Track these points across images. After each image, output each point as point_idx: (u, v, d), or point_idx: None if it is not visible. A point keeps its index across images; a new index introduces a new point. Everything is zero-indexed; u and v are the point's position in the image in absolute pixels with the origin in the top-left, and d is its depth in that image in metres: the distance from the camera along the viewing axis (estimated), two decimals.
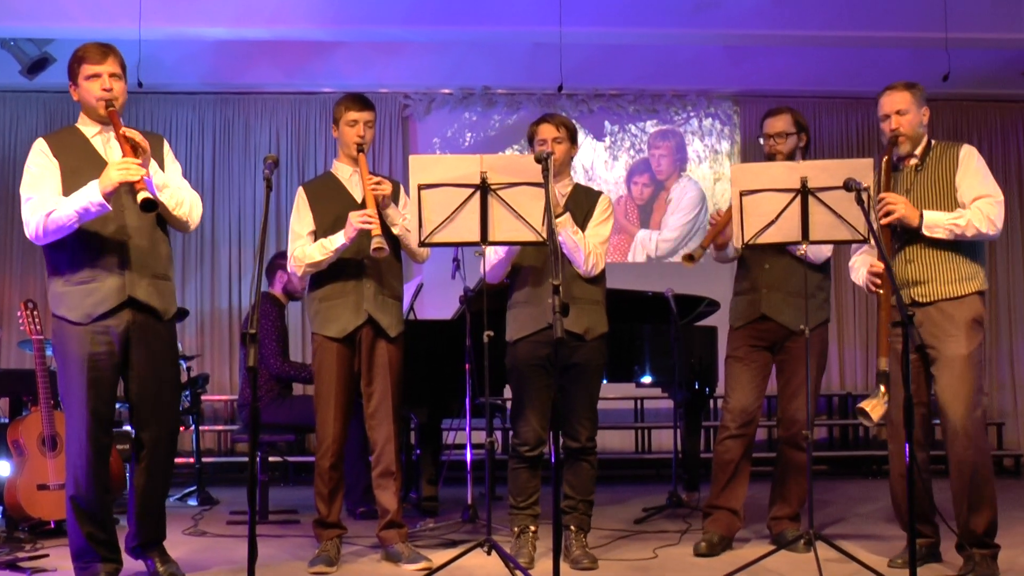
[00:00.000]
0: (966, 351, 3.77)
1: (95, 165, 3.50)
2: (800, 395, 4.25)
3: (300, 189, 4.16)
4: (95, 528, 3.58)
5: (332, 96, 8.08)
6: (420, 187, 3.68)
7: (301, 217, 4.09)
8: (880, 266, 3.81)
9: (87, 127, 3.63)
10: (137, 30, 6.48)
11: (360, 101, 4.09)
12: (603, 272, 4.12)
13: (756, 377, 4.33)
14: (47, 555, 4.19)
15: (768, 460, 5.15)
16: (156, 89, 7.65)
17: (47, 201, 3.45)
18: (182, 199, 3.64)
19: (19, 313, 4.85)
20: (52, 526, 4.66)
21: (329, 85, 8.13)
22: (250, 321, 3.12)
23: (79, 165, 3.51)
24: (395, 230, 4.03)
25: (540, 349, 4.00)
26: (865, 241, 3.80)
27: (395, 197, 4.08)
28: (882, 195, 3.84)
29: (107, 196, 3.38)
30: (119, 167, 3.36)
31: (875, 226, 3.73)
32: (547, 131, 4.08)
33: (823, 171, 3.77)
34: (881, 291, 3.84)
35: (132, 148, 3.44)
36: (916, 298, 3.85)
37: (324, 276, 4.06)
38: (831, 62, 8.04)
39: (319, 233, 4.05)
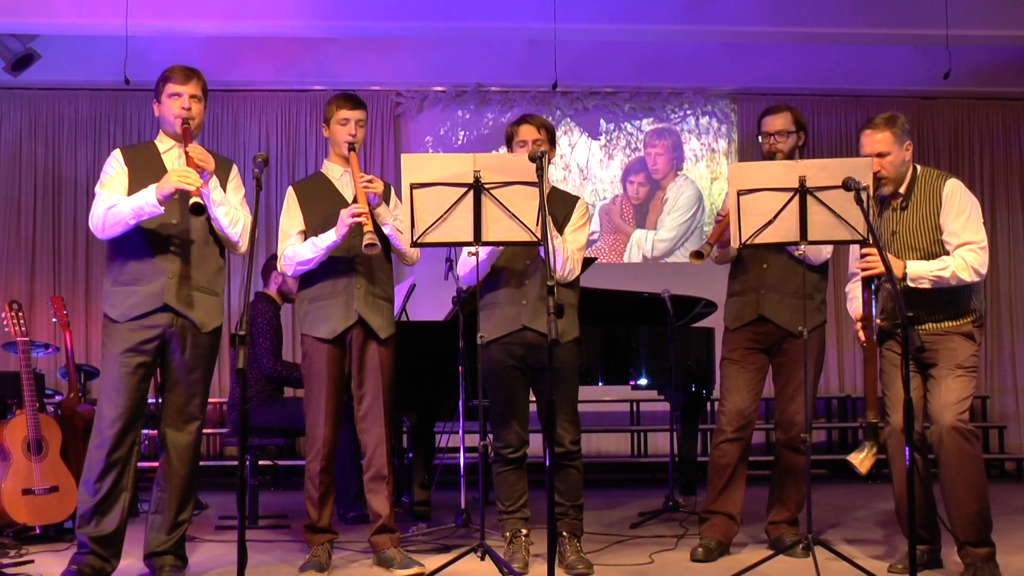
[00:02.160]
0: (962, 358, 3.82)
1: (159, 177, 3.68)
2: (799, 397, 4.23)
3: (290, 188, 4.14)
4: (95, 526, 3.67)
5: (323, 93, 8.02)
6: (412, 186, 3.66)
7: (290, 216, 4.07)
8: (862, 319, 3.86)
9: (162, 143, 3.85)
10: (124, 26, 6.41)
11: (351, 100, 4.09)
12: (577, 278, 4.11)
13: (753, 379, 4.30)
14: (32, 561, 4.16)
15: (765, 464, 5.10)
16: (143, 86, 7.41)
17: (112, 197, 3.70)
18: (237, 218, 3.81)
19: (3, 314, 4.79)
20: (37, 531, 4.62)
21: (320, 83, 8.07)
22: (240, 323, 3.11)
23: (145, 176, 3.71)
24: (385, 229, 4.00)
25: (516, 350, 4.00)
26: (864, 241, 3.76)
27: (386, 198, 4.06)
28: (864, 251, 3.82)
29: (162, 200, 3.61)
30: (178, 174, 3.60)
31: (877, 231, 3.73)
32: (528, 133, 4.06)
33: (822, 170, 3.75)
34: (867, 344, 3.86)
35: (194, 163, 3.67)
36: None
37: (313, 276, 4.04)
38: (831, 59, 8.01)
39: (309, 233, 4.03)
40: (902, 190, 3.92)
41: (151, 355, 3.70)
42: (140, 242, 3.70)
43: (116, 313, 3.69)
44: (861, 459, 3.73)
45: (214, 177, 3.76)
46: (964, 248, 3.82)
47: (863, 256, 3.82)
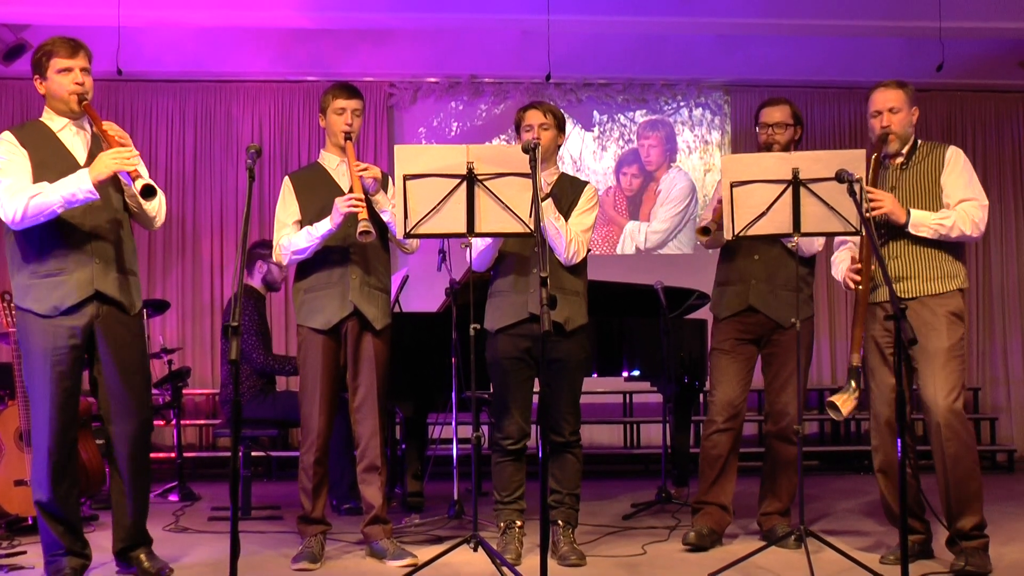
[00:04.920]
0: (947, 344, 3.81)
1: (62, 158, 3.56)
2: (789, 388, 4.24)
3: (286, 178, 4.14)
4: (60, 524, 3.63)
5: (316, 84, 8.00)
6: (405, 177, 3.64)
7: (286, 206, 4.07)
8: (859, 264, 3.85)
9: (52, 121, 3.65)
10: (116, 16, 6.38)
11: (347, 89, 4.08)
12: (584, 263, 4.10)
13: (742, 370, 4.32)
14: (24, 552, 4.16)
15: (757, 455, 5.11)
16: (136, 76, 7.54)
17: (26, 185, 3.48)
18: None
19: None
20: (30, 522, 4.61)
21: (313, 73, 8.04)
22: (232, 314, 3.10)
23: (46, 158, 3.55)
24: (384, 217, 4.00)
25: (521, 342, 4.00)
26: (857, 233, 3.79)
27: (383, 186, 4.06)
28: (869, 190, 3.83)
29: (98, 185, 3.43)
30: (114, 156, 3.42)
31: (870, 222, 3.72)
32: (535, 117, 4.05)
33: (815, 162, 3.76)
34: (860, 287, 3.86)
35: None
36: (898, 294, 3.83)
37: (309, 266, 4.03)
38: (824, 51, 8.01)
39: (305, 223, 4.03)
40: (904, 151, 3.95)
41: (82, 348, 3.56)
42: (56, 229, 3.50)
43: (44, 307, 3.50)
44: (844, 400, 3.77)
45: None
46: (967, 203, 3.85)
47: (868, 196, 3.81)
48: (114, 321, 3.61)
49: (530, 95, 8.10)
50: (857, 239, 3.97)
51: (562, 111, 4.20)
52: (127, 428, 3.66)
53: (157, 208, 3.69)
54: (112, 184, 3.59)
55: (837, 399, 3.79)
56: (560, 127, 4.11)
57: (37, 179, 3.51)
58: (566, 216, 4.01)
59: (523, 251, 4.02)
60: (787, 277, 4.17)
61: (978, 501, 3.80)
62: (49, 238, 3.52)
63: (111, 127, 3.53)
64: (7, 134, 3.59)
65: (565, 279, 4.00)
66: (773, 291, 4.23)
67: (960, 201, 3.86)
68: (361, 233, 3.78)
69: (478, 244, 3.98)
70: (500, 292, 4.06)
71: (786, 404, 4.27)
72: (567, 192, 4.08)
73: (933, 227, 3.82)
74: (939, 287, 3.86)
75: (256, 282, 5.60)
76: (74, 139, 3.63)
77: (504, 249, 4.04)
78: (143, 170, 3.58)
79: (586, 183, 4.18)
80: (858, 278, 3.87)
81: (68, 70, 3.55)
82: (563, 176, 4.15)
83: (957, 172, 3.90)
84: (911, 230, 3.83)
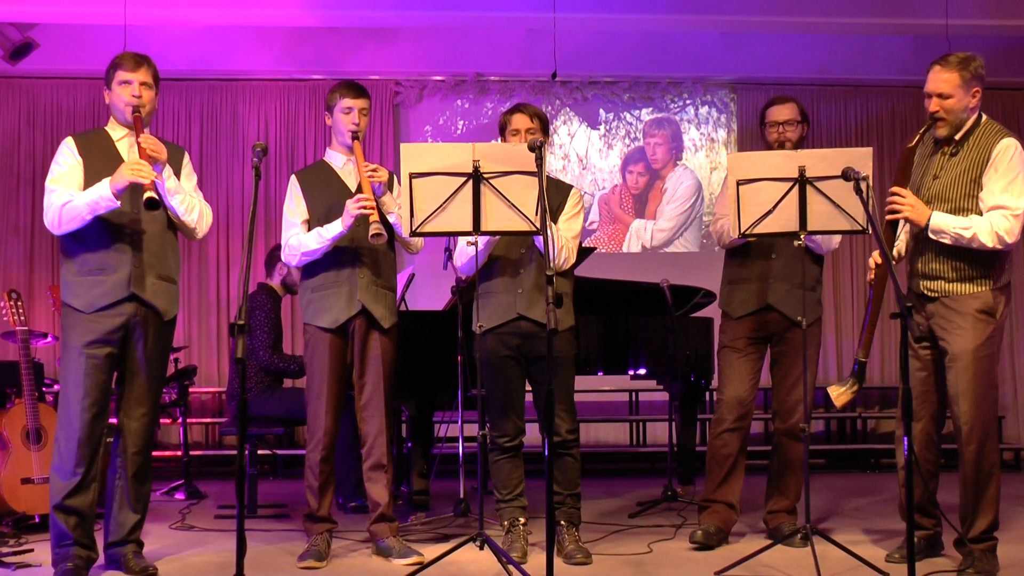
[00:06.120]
0: (972, 345, 3.70)
1: (116, 166, 3.65)
2: (799, 386, 4.24)
3: (293, 177, 4.14)
4: (74, 516, 3.67)
5: (322, 83, 8.00)
6: (411, 176, 3.64)
7: (294, 206, 4.07)
8: (879, 259, 3.78)
9: (115, 131, 3.81)
10: (123, 15, 6.40)
11: (354, 88, 4.07)
12: (572, 266, 4.10)
13: (752, 369, 4.31)
14: (31, 550, 4.17)
15: (763, 453, 5.11)
16: None
17: (67, 193, 3.64)
18: (193, 206, 3.81)
19: (2, 304, 4.79)
20: (36, 520, 4.63)
21: (319, 72, 8.04)
22: (239, 312, 3.13)
23: (101, 165, 3.68)
24: (391, 218, 4.00)
25: (510, 340, 4.01)
26: (863, 232, 3.76)
27: (389, 186, 4.06)
28: (894, 190, 3.75)
29: (117, 193, 3.57)
30: (132, 167, 3.56)
31: (877, 220, 3.64)
32: (521, 121, 4.06)
33: (821, 160, 3.75)
34: (875, 283, 3.82)
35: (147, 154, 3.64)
36: (924, 291, 3.81)
37: (317, 266, 4.04)
38: (830, 49, 7.99)
39: (312, 222, 4.03)
40: (957, 137, 3.78)
41: (117, 345, 3.69)
42: (102, 232, 3.67)
43: (81, 303, 3.66)
44: (839, 393, 3.79)
45: (168, 166, 3.73)
46: (996, 211, 3.65)
47: (891, 195, 3.73)
48: (149, 324, 3.73)
49: (536, 93, 8.11)
50: (907, 226, 3.87)
51: (546, 113, 4.19)
52: (134, 424, 3.76)
53: (196, 220, 3.81)
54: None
55: (833, 391, 3.80)
56: (544, 130, 4.11)
57: (90, 185, 3.65)
58: (553, 221, 4.00)
59: (510, 253, 4.03)
60: (801, 276, 4.15)
61: (994, 505, 3.76)
62: (94, 239, 3.68)
63: (146, 139, 3.65)
64: (69, 140, 3.77)
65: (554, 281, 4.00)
66: (790, 290, 4.21)
67: (992, 208, 3.66)
68: (373, 235, 3.78)
69: (467, 250, 3.97)
70: (489, 293, 4.06)
71: (797, 402, 4.26)
72: (553, 195, 4.06)
73: (952, 235, 3.66)
74: (966, 289, 3.71)
75: (275, 282, 5.61)
76: (131, 150, 3.74)
77: (492, 252, 4.03)
78: (173, 183, 3.73)
79: (571, 187, 4.18)
80: (872, 276, 3.82)
81: (128, 82, 3.71)
82: (547, 179, 4.13)
83: (1000, 172, 3.68)
84: (930, 235, 3.69)
